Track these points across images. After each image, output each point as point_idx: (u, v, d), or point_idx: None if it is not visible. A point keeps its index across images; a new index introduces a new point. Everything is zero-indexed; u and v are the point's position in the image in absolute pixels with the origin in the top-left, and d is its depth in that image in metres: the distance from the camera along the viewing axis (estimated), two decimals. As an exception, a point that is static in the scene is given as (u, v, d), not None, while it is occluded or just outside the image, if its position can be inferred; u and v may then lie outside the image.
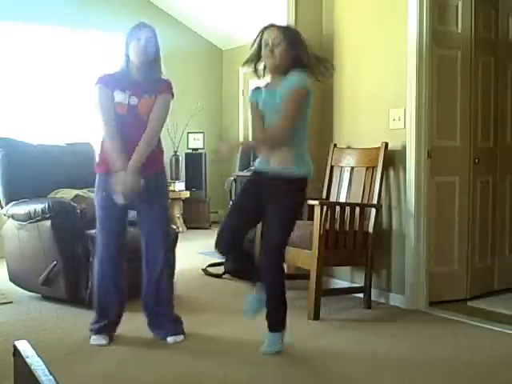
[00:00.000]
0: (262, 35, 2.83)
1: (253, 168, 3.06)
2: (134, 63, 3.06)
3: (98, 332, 3.10)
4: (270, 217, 2.88)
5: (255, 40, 2.87)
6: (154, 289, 3.16)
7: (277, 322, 2.97)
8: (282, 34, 2.80)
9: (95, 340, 3.08)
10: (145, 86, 3.07)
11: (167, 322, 3.19)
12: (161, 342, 3.14)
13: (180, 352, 3.02)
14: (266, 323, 2.96)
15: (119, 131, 3.01)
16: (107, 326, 3.13)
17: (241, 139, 3.01)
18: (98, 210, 3.10)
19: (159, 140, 3.18)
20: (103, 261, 3.12)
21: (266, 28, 2.85)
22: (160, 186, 3.21)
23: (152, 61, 3.09)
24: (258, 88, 2.97)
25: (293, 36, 2.84)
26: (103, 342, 3.06)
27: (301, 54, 2.82)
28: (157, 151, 3.15)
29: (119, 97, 3.02)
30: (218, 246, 2.96)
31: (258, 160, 3.02)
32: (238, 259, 3.16)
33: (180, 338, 3.15)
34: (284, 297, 2.98)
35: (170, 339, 3.13)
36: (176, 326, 3.20)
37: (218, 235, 2.96)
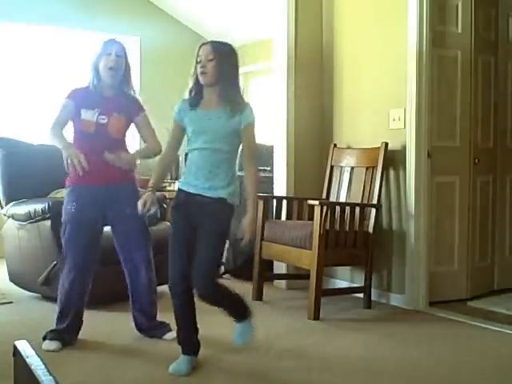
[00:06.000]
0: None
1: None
2: (105, 78, 3.07)
3: (51, 338, 3.05)
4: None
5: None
6: (139, 295, 3.23)
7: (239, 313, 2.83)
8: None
9: (50, 345, 3.02)
10: (115, 104, 3.08)
11: (159, 323, 3.28)
12: (158, 343, 3.16)
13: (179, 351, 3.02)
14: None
15: (84, 149, 2.99)
16: (62, 331, 3.08)
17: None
18: (68, 223, 3.06)
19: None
20: (73, 275, 3.08)
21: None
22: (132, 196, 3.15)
23: (122, 76, 3.10)
24: (184, 102, 2.78)
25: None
26: (57, 347, 3.01)
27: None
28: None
29: (86, 114, 3.01)
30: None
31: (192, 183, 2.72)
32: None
33: (174, 333, 3.17)
34: (231, 297, 2.79)
35: (167, 336, 3.20)
36: (164, 324, 3.27)
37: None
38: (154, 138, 3.24)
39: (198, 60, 2.68)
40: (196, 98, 2.72)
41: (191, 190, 2.70)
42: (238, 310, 2.82)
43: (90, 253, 3.10)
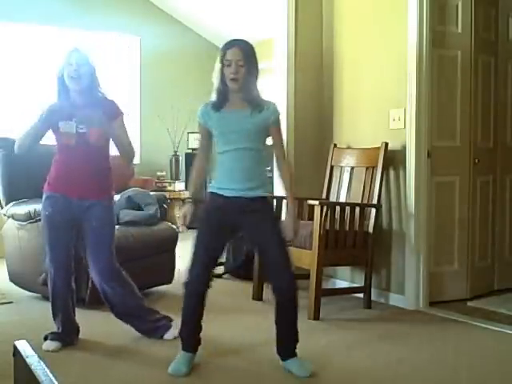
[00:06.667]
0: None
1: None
2: (72, 89, 3.05)
3: (52, 338, 3.08)
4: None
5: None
6: (119, 304, 3.22)
7: (295, 346, 2.78)
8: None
9: (51, 345, 3.04)
10: (90, 112, 3.02)
11: (154, 324, 3.25)
12: (157, 342, 3.16)
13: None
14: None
15: (67, 160, 3.04)
16: (61, 334, 3.10)
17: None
18: (44, 228, 3.09)
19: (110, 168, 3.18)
20: (53, 277, 3.11)
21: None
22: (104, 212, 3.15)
23: (89, 83, 3.06)
24: (206, 106, 2.76)
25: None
26: (57, 347, 3.03)
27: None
28: (110, 176, 3.18)
29: (65, 127, 2.99)
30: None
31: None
32: None
33: (175, 331, 3.11)
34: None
35: (167, 336, 3.20)
36: (163, 322, 3.26)
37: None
38: (127, 141, 3.13)
39: (227, 64, 2.63)
40: (220, 100, 2.69)
41: (228, 194, 2.69)
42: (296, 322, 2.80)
43: (67, 257, 3.10)
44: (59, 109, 3.04)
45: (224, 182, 2.72)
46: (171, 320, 3.27)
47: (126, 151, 3.12)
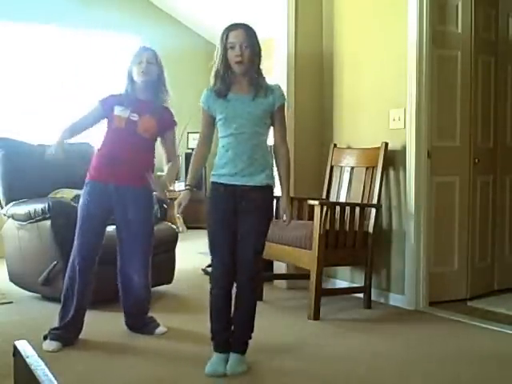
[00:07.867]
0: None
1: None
2: (138, 84, 3.21)
3: (52, 338, 3.05)
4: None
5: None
6: (133, 296, 3.29)
7: (246, 343, 2.76)
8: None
9: (50, 345, 3.01)
10: (148, 106, 3.20)
11: (148, 319, 3.36)
12: (158, 341, 3.17)
13: (182, 351, 3.02)
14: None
15: (114, 144, 3.15)
16: (63, 330, 3.08)
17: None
18: (79, 216, 3.15)
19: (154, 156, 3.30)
20: (77, 266, 3.10)
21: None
22: (140, 201, 3.25)
23: (155, 82, 3.22)
24: (210, 90, 2.71)
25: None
26: (57, 347, 3.01)
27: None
28: (150, 170, 3.26)
29: (118, 110, 3.15)
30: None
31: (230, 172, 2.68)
32: None
33: (164, 328, 3.33)
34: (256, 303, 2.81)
35: (158, 330, 3.29)
36: (152, 319, 3.37)
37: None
38: (176, 155, 3.36)
39: (230, 46, 2.59)
40: (224, 85, 2.64)
41: (231, 182, 2.66)
42: (252, 324, 2.79)
43: (95, 246, 3.14)
44: (119, 97, 3.21)
45: (226, 167, 2.67)
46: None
47: (177, 167, 3.38)
